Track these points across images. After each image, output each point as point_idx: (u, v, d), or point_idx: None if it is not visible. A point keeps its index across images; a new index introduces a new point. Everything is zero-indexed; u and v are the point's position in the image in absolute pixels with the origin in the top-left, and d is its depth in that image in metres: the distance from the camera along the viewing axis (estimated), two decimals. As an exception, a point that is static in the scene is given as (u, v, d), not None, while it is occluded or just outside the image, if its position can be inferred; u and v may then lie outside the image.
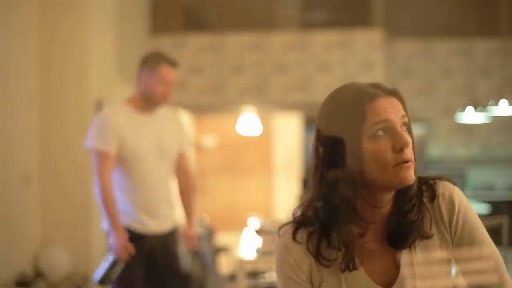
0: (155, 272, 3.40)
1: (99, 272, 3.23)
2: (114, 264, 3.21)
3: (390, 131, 1.30)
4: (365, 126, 1.30)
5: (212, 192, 9.72)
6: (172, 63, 3.36)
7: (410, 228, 1.34)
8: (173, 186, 3.55)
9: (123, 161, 3.32)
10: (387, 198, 1.34)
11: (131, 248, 3.23)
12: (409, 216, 1.34)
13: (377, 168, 1.30)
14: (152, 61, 3.33)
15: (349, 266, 1.33)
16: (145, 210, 3.37)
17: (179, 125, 3.52)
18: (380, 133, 1.30)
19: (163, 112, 3.45)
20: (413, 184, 1.33)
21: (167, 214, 3.45)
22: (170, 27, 8.10)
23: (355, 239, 1.34)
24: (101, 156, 3.27)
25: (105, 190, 3.25)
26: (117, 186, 3.34)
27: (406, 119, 1.34)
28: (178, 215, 3.61)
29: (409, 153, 1.30)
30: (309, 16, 8.99)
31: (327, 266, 1.35)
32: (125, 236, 3.24)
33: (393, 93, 1.35)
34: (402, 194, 1.34)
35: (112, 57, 5.56)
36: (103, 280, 3.22)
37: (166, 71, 3.32)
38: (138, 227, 3.36)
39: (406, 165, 1.30)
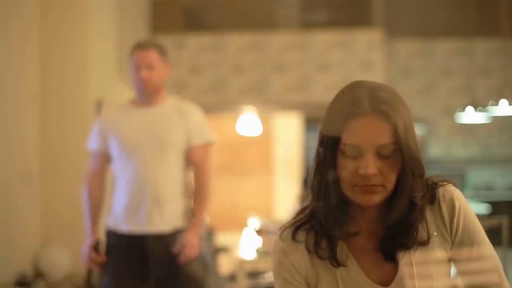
0: (146, 276, 3.07)
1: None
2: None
3: (359, 154, 1.30)
4: (340, 142, 1.31)
5: (212, 192, 9.72)
6: (141, 46, 3.10)
7: (404, 230, 1.33)
8: (181, 184, 3.22)
9: (116, 157, 3.12)
10: None
11: (95, 256, 3.07)
12: (399, 215, 1.33)
13: (342, 182, 1.32)
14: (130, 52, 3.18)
15: (332, 263, 1.35)
16: (134, 209, 3.09)
17: (185, 114, 3.19)
18: (349, 154, 1.30)
19: (167, 103, 3.19)
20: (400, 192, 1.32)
21: (162, 214, 3.11)
22: (170, 27, 8.10)
23: (342, 236, 1.35)
24: (90, 155, 3.16)
25: (85, 190, 3.15)
26: (116, 184, 3.16)
27: (390, 146, 1.29)
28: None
29: (375, 178, 1.29)
30: (309, 16, 8.99)
31: (323, 259, 1.36)
32: (90, 243, 3.09)
33: (382, 113, 1.29)
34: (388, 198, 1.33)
35: (112, 57, 5.56)
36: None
37: (136, 55, 3.08)
38: (124, 228, 3.10)
39: (364, 188, 1.29)
